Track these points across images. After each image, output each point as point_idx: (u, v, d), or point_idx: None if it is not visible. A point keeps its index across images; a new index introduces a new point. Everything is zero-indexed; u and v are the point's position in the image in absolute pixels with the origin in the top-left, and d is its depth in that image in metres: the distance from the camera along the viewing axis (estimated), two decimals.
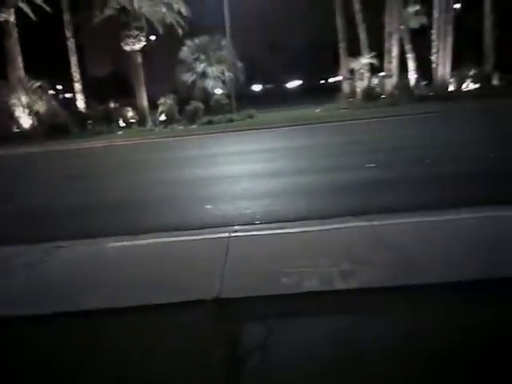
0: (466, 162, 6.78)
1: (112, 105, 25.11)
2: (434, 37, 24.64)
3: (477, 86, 23.60)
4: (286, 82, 56.74)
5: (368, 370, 1.94)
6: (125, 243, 3.98)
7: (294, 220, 4.33)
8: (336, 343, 2.20)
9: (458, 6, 25.03)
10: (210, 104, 25.46)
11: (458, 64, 24.51)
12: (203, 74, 27.83)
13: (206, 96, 26.60)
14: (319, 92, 36.86)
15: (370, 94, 24.92)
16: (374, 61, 26.61)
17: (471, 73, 24.02)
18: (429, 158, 7.21)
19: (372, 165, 7.11)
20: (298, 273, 3.00)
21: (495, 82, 23.75)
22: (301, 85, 55.77)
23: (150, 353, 2.18)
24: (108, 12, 23.53)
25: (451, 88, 24.19)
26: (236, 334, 2.33)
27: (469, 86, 23.87)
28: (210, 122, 22.33)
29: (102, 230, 4.40)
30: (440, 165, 6.79)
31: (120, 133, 22.21)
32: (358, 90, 26.25)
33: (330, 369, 1.97)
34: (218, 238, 3.85)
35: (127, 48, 23.99)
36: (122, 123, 24.12)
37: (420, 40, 26.47)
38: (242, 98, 27.34)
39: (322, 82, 52.15)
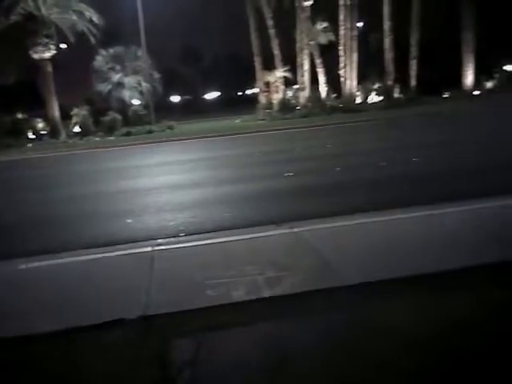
0: (374, 168, 7.38)
1: (20, 116, 23.33)
2: (341, 52, 26.48)
3: (380, 98, 25.73)
4: (205, 94, 57.03)
5: (299, 375, 1.97)
6: (40, 263, 3.72)
7: (217, 230, 4.31)
8: (267, 351, 2.20)
9: (360, 24, 27.07)
10: (127, 115, 24.78)
11: (363, 78, 26.58)
12: (119, 85, 27.04)
13: (124, 107, 25.87)
14: (237, 103, 37.61)
15: (286, 106, 25.99)
16: (287, 74, 27.84)
17: (375, 86, 26.15)
18: (340, 167, 7.72)
19: (291, 173, 7.43)
20: (224, 283, 2.98)
21: (396, 95, 26.07)
22: (219, 96, 56.38)
23: (71, 380, 2.05)
24: (14, 18, 21.94)
25: (358, 100, 26.10)
26: (165, 352, 2.25)
27: (373, 98, 25.96)
28: (128, 134, 21.72)
29: (13, 250, 4.08)
30: (353, 172, 7.30)
31: (30, 145, 20.72)
32: (275, 101, 27.26)
33: (262, 377, 1.98)
34: (142, 252, 3.73)
35: (36, 56, 22.57)
36: (32, 135, 22.52)
37: (329, 55, 28.27)
38: (160, 109, 26.97)
39: (240, 93, 53.23)
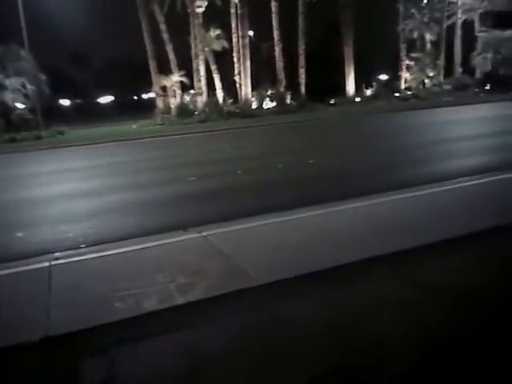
0: (274, 170, 7.81)
1: None
2: (235, 59, 27.20)
3: (274, 104, 26.94)
4: (98, 97, 53.92)
5: (216, 380, 1.99)
6: None
7: (120, 239, 4.13)
8: (183, 360, 2.16)
9: (252, 33, 28.08)
10: (11, 119, 22.49)
11: (258, 84, 27.59)
12: (0, 87, 24.39)
13: (7, 110, 23.38)
14: (133, 108, 36.31)
15: (184, 111, 25.85)
16: (184, 79, 27.70)
17: (268, 93, 27.31)
18: (241, 169, 8.02)
19: (193, 178, 7.49)
20: (133, 294, 2.88)
21: (288, 101, 27.53)
22: (113, 100, 53.78)
23: None
24: None
25: (254, 106, 27.02)
26: (74, 375, 2.09)
27: (268, 104, 27.08)
28: (12, 140, 19.71)
29: None
30: (253, 174, 7.64)
31: None
32: (172, 106, 26.93)
33: None
34: (38, 268, 3.46)
35: None
36: None
37: (225, 61, 28.80)
38: (50, 113, 24.94)
39: (136, 97, 51.42)
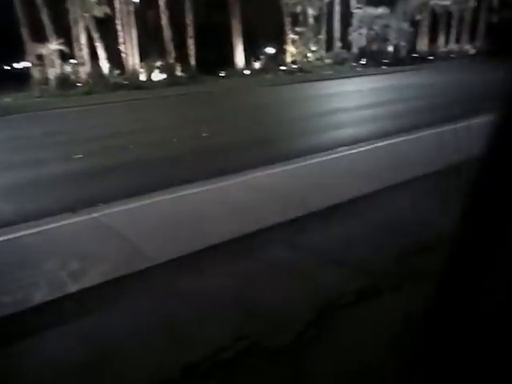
0: (169, 145, 8.02)
1: None
2: (119, 27, 25.86)
3: (164, 76, 26.43)
4: None
5: (122, 368, 2.00)
6: None
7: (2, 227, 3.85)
8: (83, 349, 2.13)
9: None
10: None
11: (146, 55, 26.69)
12: None
13: None
14: (5, 79, 32.55)
15: (65, 82, 24.12)
16: (63, 47, 25.64)
17: (158, 64, 26.65)
18: (133, 144, 8.10)
19: (80, 155, 7.40)
20: (23, 286, 2.69)
21: (177, 73, 27.19)
22: None
23: None
24: None
25: (143, 77, 26.20)
26: None
27: (157, 76, 26.46)
28: None
29: None
30: (145, 149, 7.76)
31: None
32: (51, 77, 24.88)
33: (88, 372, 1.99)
34: None
35: None
36: None
37: (109, 30, 27.17)
38: None
39: (7, 67, 46.01)
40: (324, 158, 5.58)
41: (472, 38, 43.08)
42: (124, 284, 2.72)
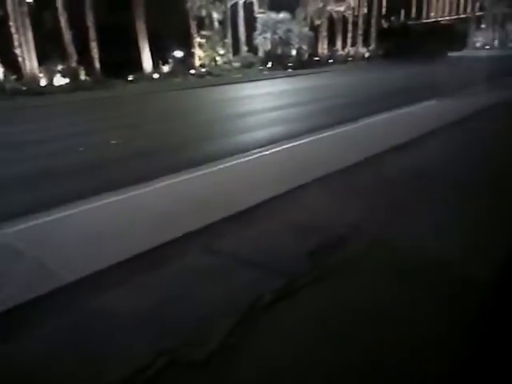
0: (75, 154, 7.89)
1: None
2: (13, 29, 24.10)
3: (67, 80, 25.16)
4: None
5: None
6: None
7: None
8: None
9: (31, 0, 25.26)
10: None
11: (45, 59, 25.15)
12: None
13: None
14: None
15: None
16: None
17: (59, 68, 25.29)
18: (32, 155, 7.84)
19: None
20: None
21: (82, 77, 26.05)
22: None
23: None
24: None
25: (44, 82, 24.69)
26: None
27: (60, 80, 25.11)
28: None
29: None
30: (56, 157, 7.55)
31: None
32: None
33: None
34: None
35: None
36: None
37: (2, 33, 25.15)
38: None
39: None
40: (234, 162, 5.75)
41: (366, 42, 46.95)
42: (31, 308, 2.61)
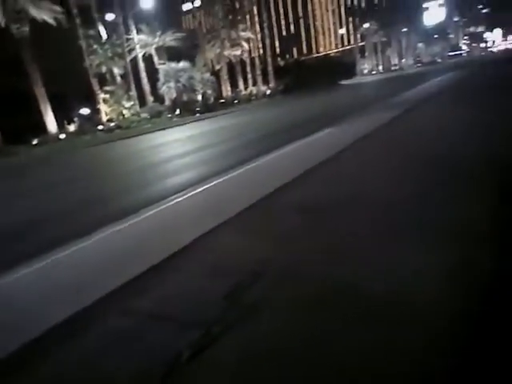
0: None
1: None
2: None
3: None
4: None
5: None
6: None
7: None
8: None
9: None
10: None
11: None
12: None
13: None
14: None
15: None
16: None
17: None
18: None
19: None
20: None
21: None
22: None
23: None
24: None
25: None
26: None
27: None
28: None
29: None
30: None
31: None
32: None
33: None
34: None
35: None
36: None
37: None
38: None
39: None
40: (148, 213, 5.47)
41: (266, 80, 50.15)
42: None
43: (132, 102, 33.69)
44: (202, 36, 47.21)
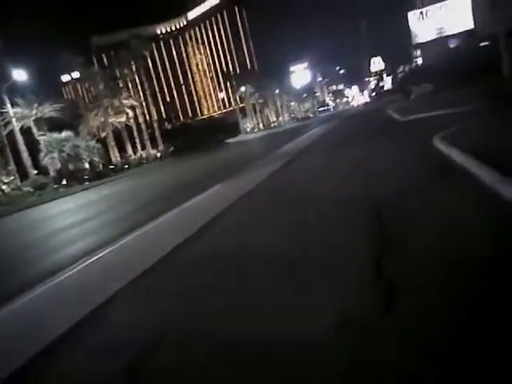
0: None
1: None
2: None
3: None
4: None
5: None
6: None
7: None
8: None
9: None
10: None
11: None
12: None
13: None
14: None
15: None
16: None
17: None
18: None
19: None
20: None
21: None
22: None
23: None
24: None
25: None
26: None
27: None
28: None
29: None
30: None
31: None
32: None
33: None
34: None
35: None
36: None
37: None
38: None
39: None
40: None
41: (154, 144, 51.08)
42: None
43: (12, 177, 31.73)
44: (84, 105, 46.98)
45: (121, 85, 49.90)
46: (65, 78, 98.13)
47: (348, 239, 4.05)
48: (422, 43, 41.57)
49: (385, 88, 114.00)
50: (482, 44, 30.82)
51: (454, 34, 38.68)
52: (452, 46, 44.67)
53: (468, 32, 31.46)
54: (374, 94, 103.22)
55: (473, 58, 27.35)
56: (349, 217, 4.88)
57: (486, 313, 2.32)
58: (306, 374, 2.21)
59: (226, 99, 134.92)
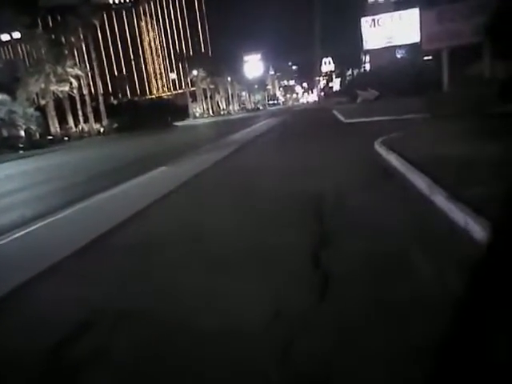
0: None
1: None
2: None
3: None
4: None
5: None
6: None
7: None
8: None
9: None
10: None
11: None
12: None
13: None
14: None
15: None
16: None
17: None
18: None
19: None
20: None
21: None
22: None
23: None
24: None
25: None
26: None
27: None
28: None
29: None
30: None
31: None
32: None
33: None
34: None
35: None
36: None
37: None
38: None
39: None
40: None
41: (98, 118, 49.02)
42: None
43: None
44: (24, 69, 43.96)
45: (66, 52, 47.12)
46: (4, 37, 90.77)
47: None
48: (372, 50, 43.48)
49: (334, 89, 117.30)
50: (425, 58, 32.89)
51: (401, 45, 40.86)
52: (399, 56, 47.13)
53: (413, 45, 33.36)
54: (322, 93, 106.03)
55: (417, 71, 29.22)
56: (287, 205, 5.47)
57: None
58: None
59: (176, 81, 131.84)
